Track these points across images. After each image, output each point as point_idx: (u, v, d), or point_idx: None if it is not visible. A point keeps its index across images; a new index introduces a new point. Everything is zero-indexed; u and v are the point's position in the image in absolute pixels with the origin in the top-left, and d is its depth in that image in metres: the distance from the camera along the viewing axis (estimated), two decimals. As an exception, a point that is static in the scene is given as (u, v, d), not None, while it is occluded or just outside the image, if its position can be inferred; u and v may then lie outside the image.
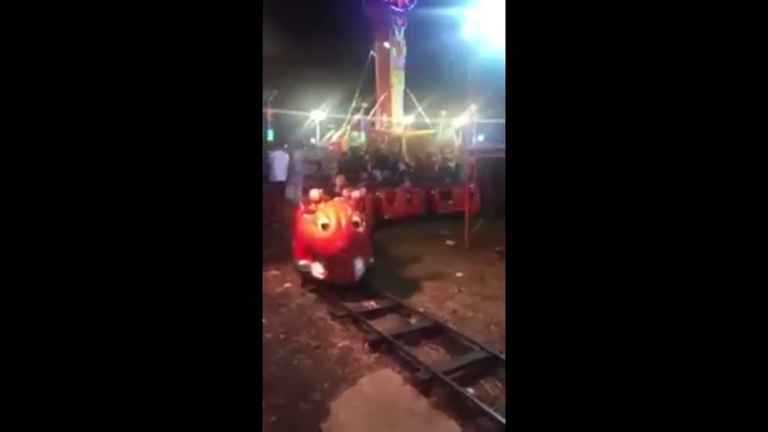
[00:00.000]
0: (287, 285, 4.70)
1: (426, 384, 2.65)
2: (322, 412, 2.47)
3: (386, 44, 15.26)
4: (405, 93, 15.49)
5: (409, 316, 3.87)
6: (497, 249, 5.62)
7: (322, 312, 3.95)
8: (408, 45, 15.60)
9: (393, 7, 15.20)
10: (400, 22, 15.39)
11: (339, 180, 5.26)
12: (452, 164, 11.29)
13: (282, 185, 7.30)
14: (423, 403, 2.54)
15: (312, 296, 4.35)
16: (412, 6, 15.44)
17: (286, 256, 4.98)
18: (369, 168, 9.90)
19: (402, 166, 10.57)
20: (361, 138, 13.33)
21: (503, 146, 7.59)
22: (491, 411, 2.29)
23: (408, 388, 2.69)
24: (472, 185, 7.76)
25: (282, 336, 3.45)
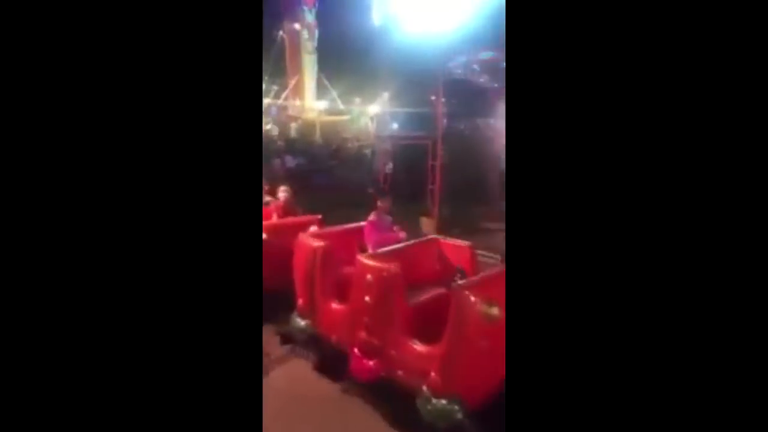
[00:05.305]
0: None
1: (337, 368, 2.52)
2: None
3: (296, 25, 14.65)
4: (318, 77, 15.09)
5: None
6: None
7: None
8: (320, 28, 15.15)
9: (302, -13, 14.61)
10: (310, 2, 14.85)
11: (281, 192, 4.25)
12: (368, 151, 11.31)
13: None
14: (336, 389, 2.46)
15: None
16: (322, -14, 14.99)
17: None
18: (281, 155, 9.49)
19: (321, 152, 10.32)
20: (271, 128, 12.60)
21: (416, 134, 7.77)
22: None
23: (319, 375, 2.59)
24: (387, 170, 7.86)
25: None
